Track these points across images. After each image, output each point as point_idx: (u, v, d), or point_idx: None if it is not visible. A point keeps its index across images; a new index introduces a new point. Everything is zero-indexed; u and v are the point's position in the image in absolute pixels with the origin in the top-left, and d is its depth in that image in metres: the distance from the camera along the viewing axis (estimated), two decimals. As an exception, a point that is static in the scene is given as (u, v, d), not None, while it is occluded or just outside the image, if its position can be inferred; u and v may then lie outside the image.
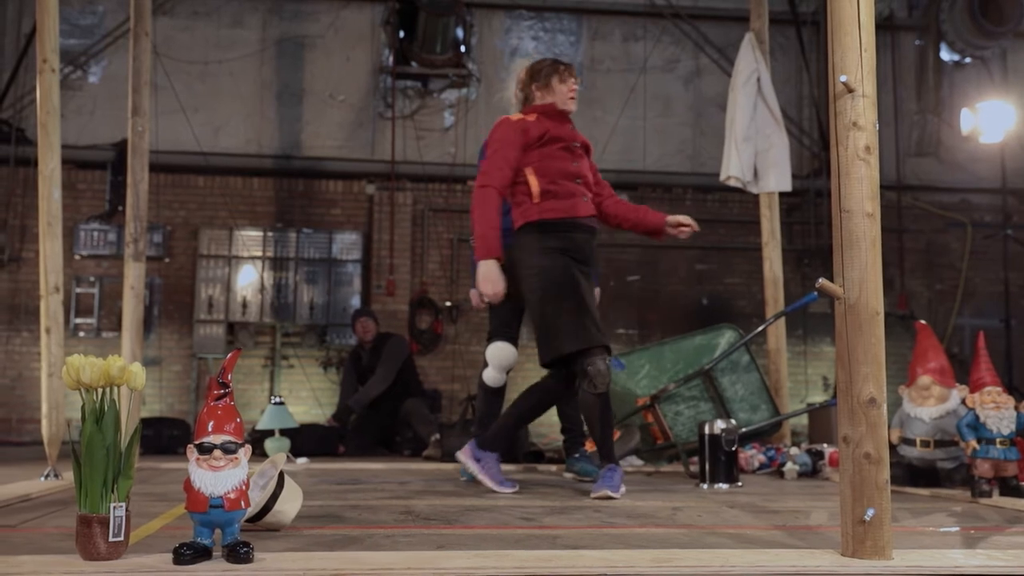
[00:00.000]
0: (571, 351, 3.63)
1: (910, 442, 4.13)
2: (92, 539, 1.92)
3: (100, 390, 1.99)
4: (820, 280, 2.15)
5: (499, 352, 4.43)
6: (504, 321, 4.51)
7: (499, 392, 4.57)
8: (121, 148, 8.51)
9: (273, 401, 5.89)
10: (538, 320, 3.75)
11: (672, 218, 4.06)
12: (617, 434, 5.15)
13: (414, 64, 9.80)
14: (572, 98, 4.00)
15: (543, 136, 3.85)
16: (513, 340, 4.48)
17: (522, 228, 3.86)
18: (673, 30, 10.21)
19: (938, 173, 10.27)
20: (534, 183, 3.82)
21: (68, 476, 3.83)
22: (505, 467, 5.39)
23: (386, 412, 7.16)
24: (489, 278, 3.68)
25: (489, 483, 3.85)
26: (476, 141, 9.78)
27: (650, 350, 5.68)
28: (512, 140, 3.84)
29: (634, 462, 5.46)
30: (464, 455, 3.96)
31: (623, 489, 3.69)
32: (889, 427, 3.65)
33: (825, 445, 5.20)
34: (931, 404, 4.07)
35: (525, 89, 4.07)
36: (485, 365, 4.50)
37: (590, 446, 4.89)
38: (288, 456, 3.80)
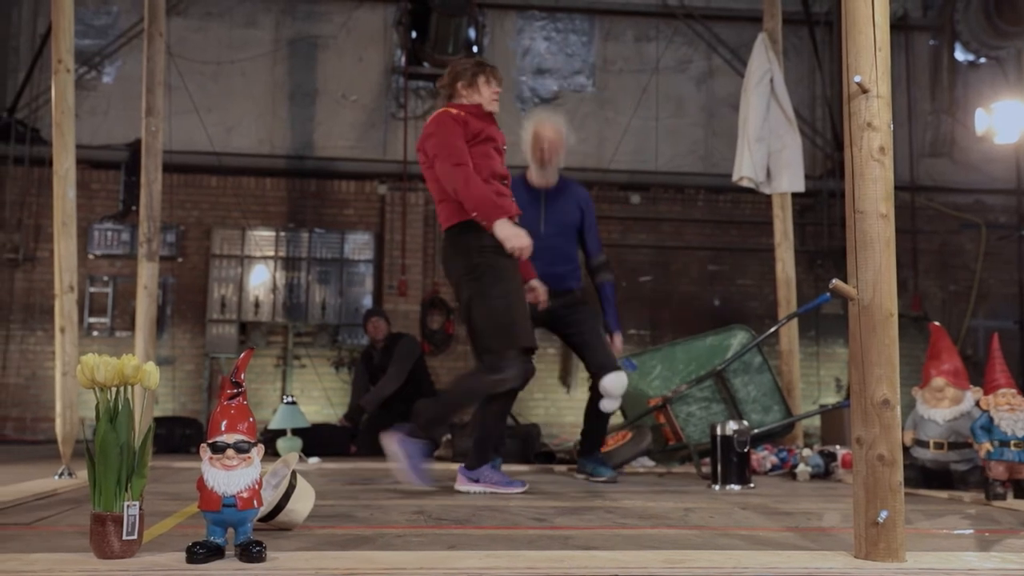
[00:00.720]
0: (498, 349, 3.72)
1: (924, 444, 4.11)
2: (106, 537, 1.93)
3: (114, 389, 2.00)
4: (834, 281, 2.14)
5: None
6: None
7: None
8: (135, 148, 8.54)
9: (285, 401, 5.91)
10: (470, 318, 3.84)
11: (533, 283, 4.27)
12: (628, 435, 5.15)
13: (426, 64, 9.81)
14: (495, 100, 4.01)
15: (479, 134, 3.86)
16: None
17: (456, 227, 3.85)
18: (686, 30, 10.19)
19: (952, 174, 10.23)
20: None
21: (82, 474, 3.84)
22: (517, 468, 5.40)
23: (398, 412, 7.15)
24: (516, 232, 3.70)
25: (501, 490, 3.85)
26: (488, 141, 9.79)
27: (662, 351, 5.68)
28: (457, 131, 3.82)
29: (646, 463, 5.46)
30: (463, 484, 3.89)
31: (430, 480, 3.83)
32: (902, 429, 3.63)
33: (837, 447, 5.18)
34: (945, 406, 4.05)
35: (448, 88, 4.04)
36: None
37: (602, 447, 4.89)
38: (300, 456, 3.80)
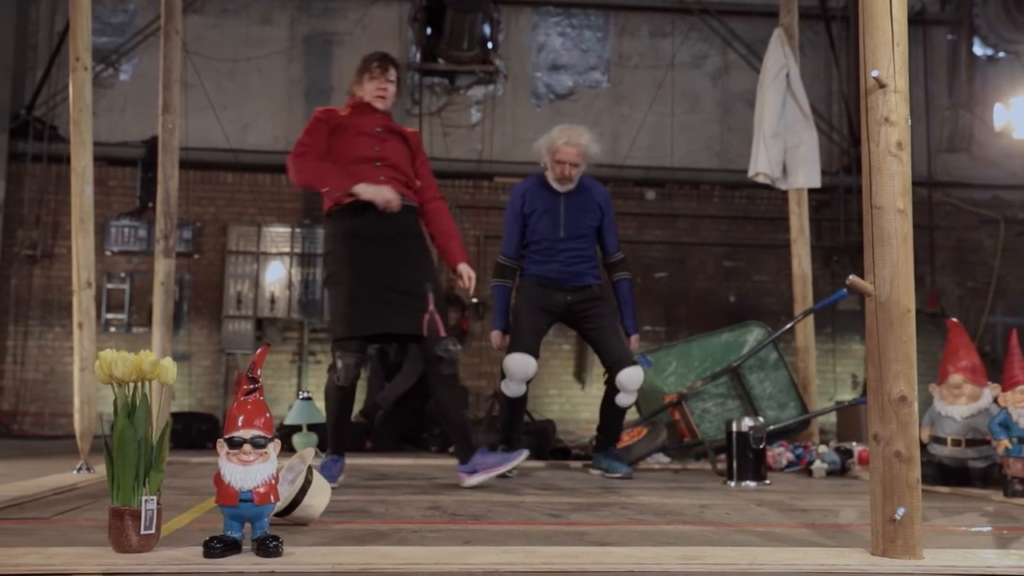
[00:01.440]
0: (336, 338, 3.84)
1: (941, 441, 4.09)
2: (124, 532, 1.94)
3: (132, 385, 2.01)
4: (851, 277, 2.13)
5: (516, 363, 4.46)
6: (525, 334, 4.54)
7: (518, 403, 4.60)
8: (151, 145, 8.58)
9: (301, 396, 5.92)
10: (329, 303, 4.01)
11: (462, 267, 4.10)
12: (643, 431, 5.15)
13: (441, 61, 9.81)
14: (380, 96, 4.02)
15: (340, 125, 3.94)
16: (532, 351, 4.50)
17: (325, 216, 3.99)
18: (701, 26, 10.15)
19: (970, 169, 10.15)
20: None
21: (100, 469, 3.87)
22: (532, 464, 5.40)
23: (413, 408, 7.19)
24: (375, 189, 3.78)
25: (505, 467, 3.86)
26: (503, 137, 9.79)
27: (677, 347, 5.67)
28: (312, 126, 3.95)
29: (661, 459, 5.45)
30: (467, 481, 3.84)
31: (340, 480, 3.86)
32: (919, 426, 3.62)
33: (854, 443, 5.16)
34: (963, 403, 4.02)
35: (353, 84, 4.13)
36: (503, 376, 4.53)
37: (618, 443, 4.89)
38: (316, 451, 3.81)
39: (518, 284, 4.77)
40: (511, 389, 4.53)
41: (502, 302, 4.75)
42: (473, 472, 3.84)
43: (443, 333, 3.82)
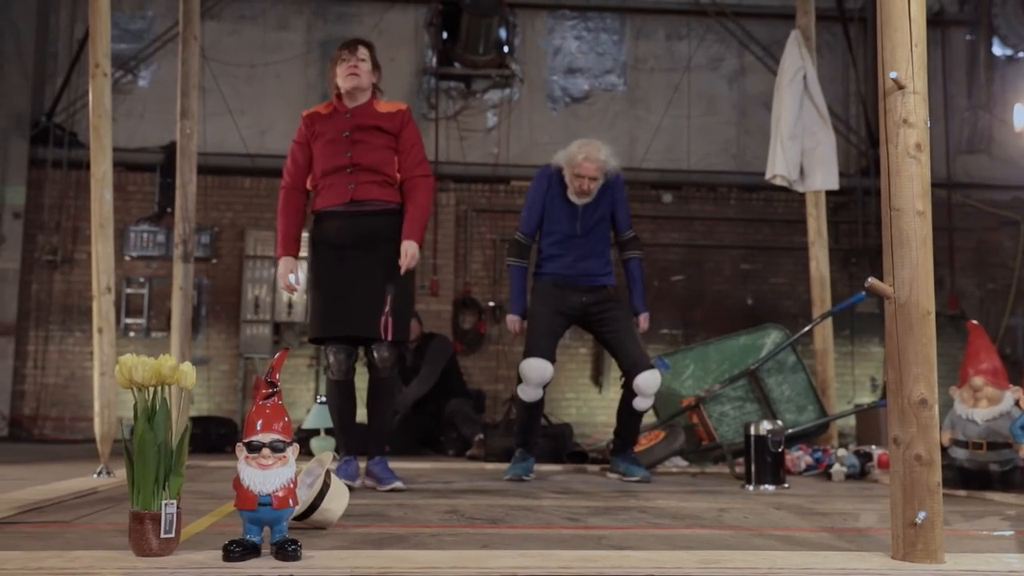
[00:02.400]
0: (310, 339, 4.00)
1: (962, 444, 4.06)
2: (144, 535, 1.95)
3: (152, 389, 2.02)
4: (870, 279, 2.12)
5: (530, 368, 4.46)
6: (539, 338, 4.54)
7: (535, 407, 4.60)
8: (170, 150, 8.61)
9: (318, 401, 5.95)
10: None
11: (404, 244, 3.88)
12: (661, 435, 5.14)
13: (457, 65, 9.83)
14: (353, 74, 3.96)
15: (315, 133, 4.00)
16: (547, 356, 4.49)
17: None
18: (717, 28, 10.13)
19: (989, 170, 10.08)
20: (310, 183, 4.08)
21: (119, 473, 3.89)
22: (549, 467, 5.40)
23: (430, 412, 7.19)
24: (280, 273, 3.99)
25: (383, 486, 3.84)
26: (519, 141, 9.79)
27: (695, 350, 5.65)
28: (293, 148, 4.08)
29: (679, 463, 5.43)
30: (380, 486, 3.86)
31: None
32: (940, 429, 3.59)
33: (873, 447, 5.12)
34: (983, 406, 4.00)
35: (328, 80, 4.13)
36: (519, 380, 4.53)
37: (635, 447, 4.88)
38: (334, 455, 3.82)
39: (532, 286, 4.76)
40: (527, 394, 4.52)
41: (518, 283, 4.72)
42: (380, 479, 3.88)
43: (388, 336, 3.84)
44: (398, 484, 3.82)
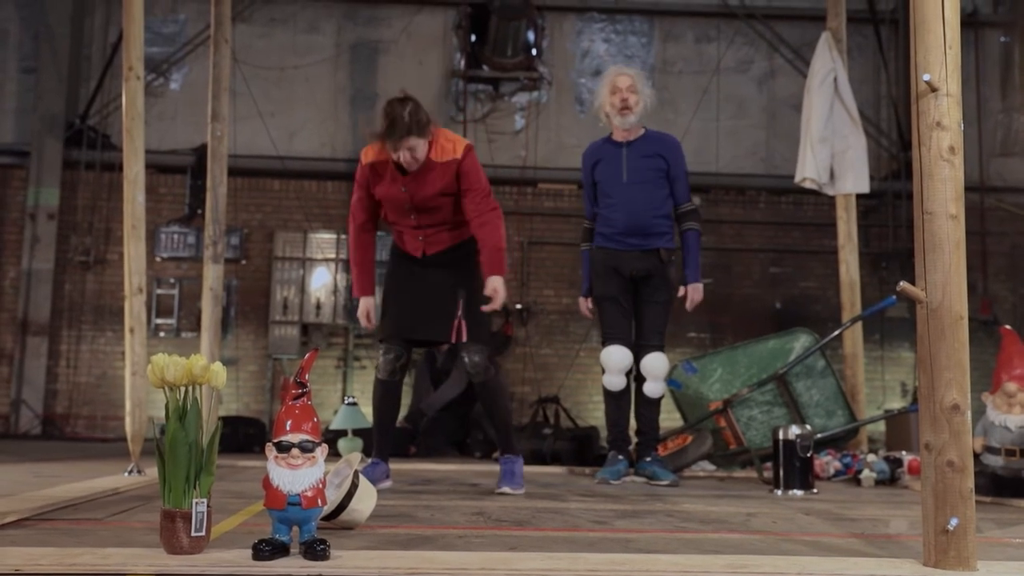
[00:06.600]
0: (380, 339, 4.02)
1: (995, 451, 4.01)
2: (175, 533, 1.97)
3: (183, 388, 2.04)
4: (901, 283, 2.10)
5: (609, 356, 4.50)
6: (611, 324, 4.56)
7: (621, 395, 4.59)
8: (201, 153, 8.73)
9: (346, 402, 5.97)
10: None
11: (490, 280, 3.82)
12: (689, 438, 5.11)
13: (485, 68, 9.85)
14: (408, 161, 3.78)
15: (374, 180, 3.95)
16: (624, 341, 4.50)
17: None
18: (747, 30, 10.08)
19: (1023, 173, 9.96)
20: None
21: (150, 472, 3.93)
22: (576, 470, 5.38)
23: (458, 414, 7.21)
24: (360, 312, 4.07)
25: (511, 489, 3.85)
26: (547, 144, 9.80)
27: (723, 354, 5.62)
28: (357, 180, 4.06)
29: (706, 467, 5.41)
30: (500, 487, 3.86)
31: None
32: (972, 435, 3.55)
33: (904, 452, 5.07)
34: (1017, 412, 3.94)
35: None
36: (603, 371, 4.55)
37: (662, 450, 4.86)
38: (362, 456, 3.84)
39: (591, 254, 4.75)
40: (611, 382, 4.54)
41: (584, 267, 4.81)
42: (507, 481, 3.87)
43: (464, 339, 3.85)
44: (506, 489, 3.79)
